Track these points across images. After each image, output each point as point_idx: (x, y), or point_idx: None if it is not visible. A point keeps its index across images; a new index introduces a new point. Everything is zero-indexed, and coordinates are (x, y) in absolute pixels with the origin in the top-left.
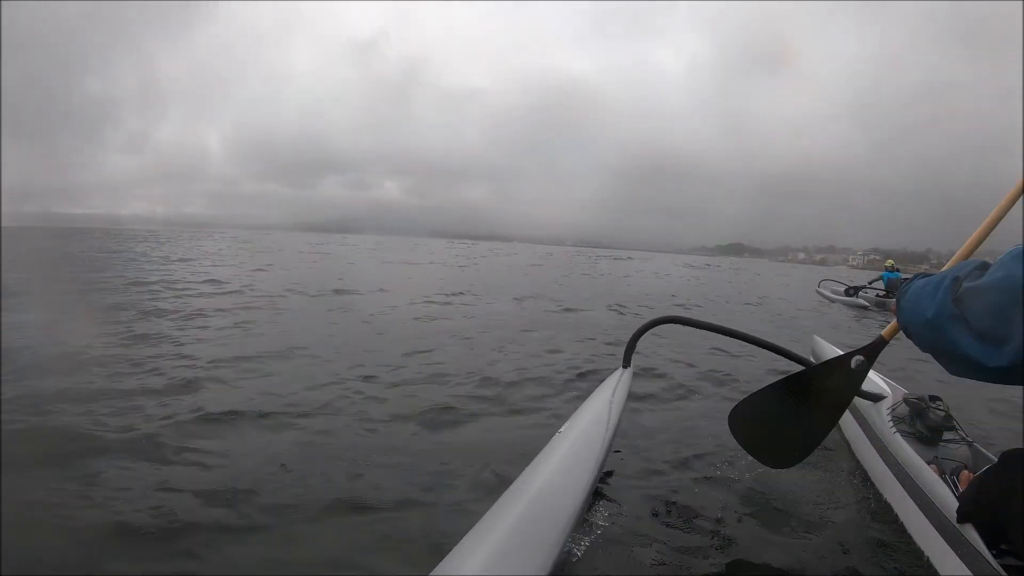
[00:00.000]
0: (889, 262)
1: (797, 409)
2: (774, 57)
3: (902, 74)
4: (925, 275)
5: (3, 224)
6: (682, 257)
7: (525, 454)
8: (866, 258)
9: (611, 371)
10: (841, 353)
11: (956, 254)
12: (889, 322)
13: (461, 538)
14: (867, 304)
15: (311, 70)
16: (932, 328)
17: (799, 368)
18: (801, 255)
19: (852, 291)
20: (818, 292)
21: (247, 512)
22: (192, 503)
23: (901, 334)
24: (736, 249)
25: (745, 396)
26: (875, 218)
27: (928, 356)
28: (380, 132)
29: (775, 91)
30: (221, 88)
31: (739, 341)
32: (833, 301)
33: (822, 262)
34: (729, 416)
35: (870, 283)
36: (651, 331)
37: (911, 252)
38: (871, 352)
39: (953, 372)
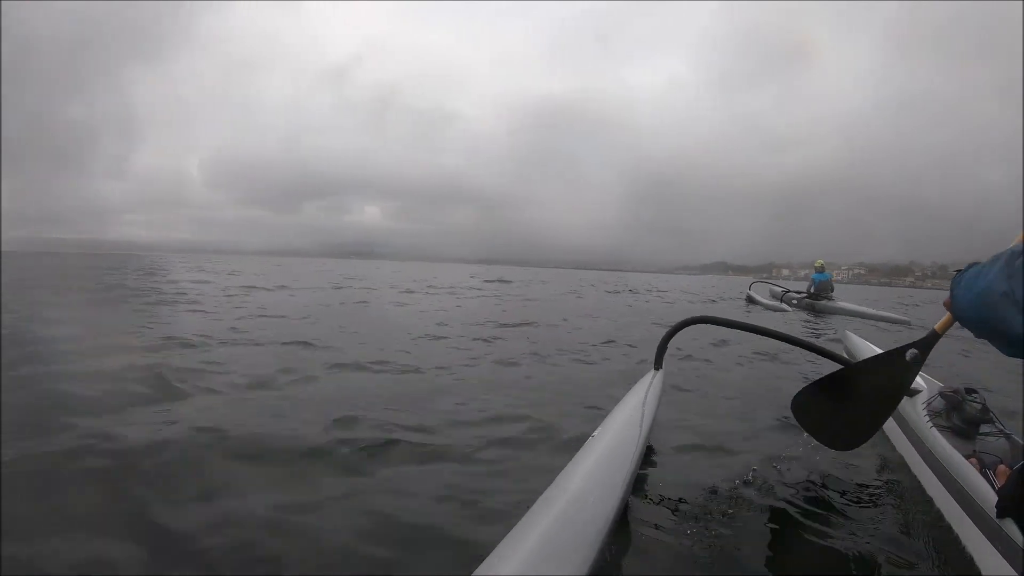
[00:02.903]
0: (819, 263)
1: (856, 398)
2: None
3: (878, 86)
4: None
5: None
6: (701, 279)
7: None
8: (851, 272)
9: (643, 374)
10: (878, 349)
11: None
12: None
13: (499, 541)
14: (787, 308)
15: (289, 97)
16: (982, 307)
17: (838, 367)
18: (785, 271)
19: (783, 295)
20: (749, 294)
21: None
22: None
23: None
24: (721, 268)
25: (805, 384)
26: (860, 230)
27: (965, 349)
28: (363, 157)
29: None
30: (199, 115)
31: (776, 341)
32: (756, 303)
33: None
34: (792, 403)
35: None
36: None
37: (895, 265)
38: (925, 345)
39: (1009, 354)
